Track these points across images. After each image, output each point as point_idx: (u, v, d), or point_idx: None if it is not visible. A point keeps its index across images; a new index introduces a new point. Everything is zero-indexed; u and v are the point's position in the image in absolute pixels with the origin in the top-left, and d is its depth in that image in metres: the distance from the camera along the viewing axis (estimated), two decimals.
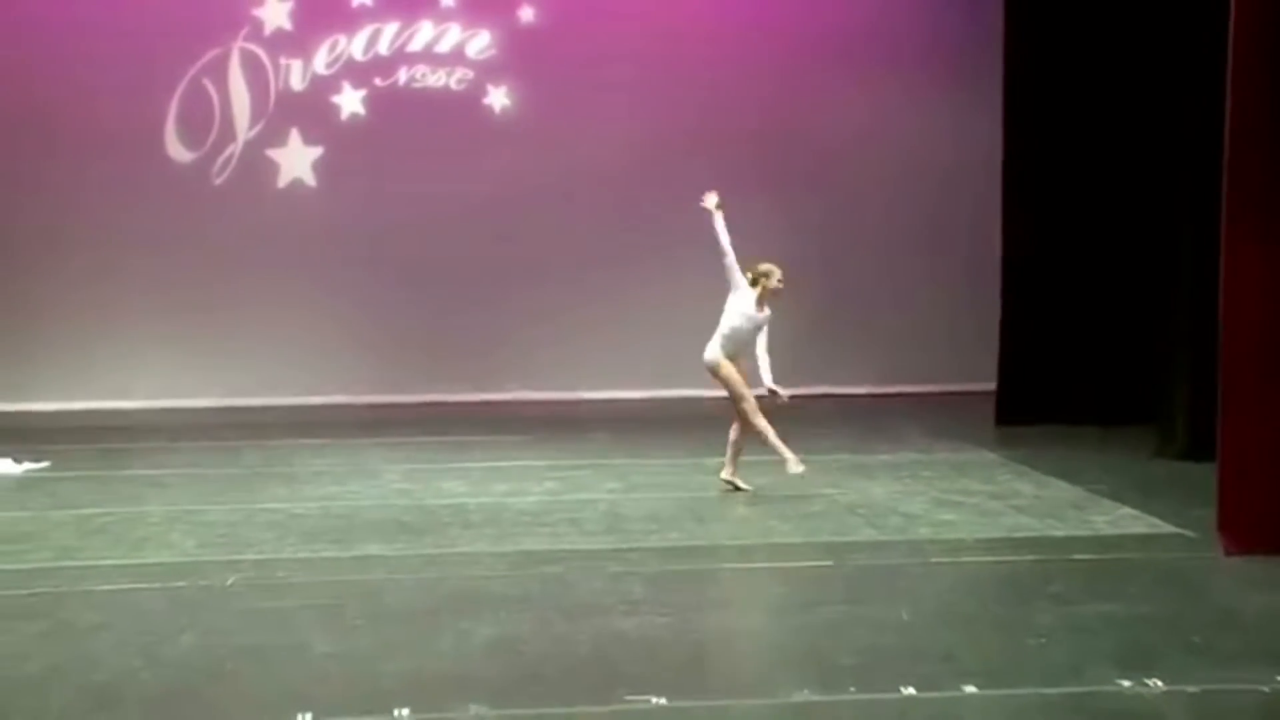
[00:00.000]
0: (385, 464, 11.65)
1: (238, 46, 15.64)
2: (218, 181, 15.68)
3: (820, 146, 16.17)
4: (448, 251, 15.72)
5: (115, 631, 6.71)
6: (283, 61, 15.69)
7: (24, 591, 7.51)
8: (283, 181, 15.78)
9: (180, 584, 7.63)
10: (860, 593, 7.44)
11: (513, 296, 15.81)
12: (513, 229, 15.82)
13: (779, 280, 9.78)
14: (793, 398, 10.04)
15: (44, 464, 11.65)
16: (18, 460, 11.58)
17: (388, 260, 15.64)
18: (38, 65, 15.23)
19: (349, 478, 11.04)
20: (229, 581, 7.63)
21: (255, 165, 15.70)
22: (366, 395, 15.42)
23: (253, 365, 15.55)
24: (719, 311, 9.83)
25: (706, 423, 13.55)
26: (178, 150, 15.64)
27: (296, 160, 15.74)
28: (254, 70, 15.68)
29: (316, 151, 15.78)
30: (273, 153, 15.72)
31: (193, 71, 15.58)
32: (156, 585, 7.61)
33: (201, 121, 15.63)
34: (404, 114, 15.89)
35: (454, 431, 13.33)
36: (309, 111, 15.79)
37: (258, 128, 15.73)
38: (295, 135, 15.75)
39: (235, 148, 15.67)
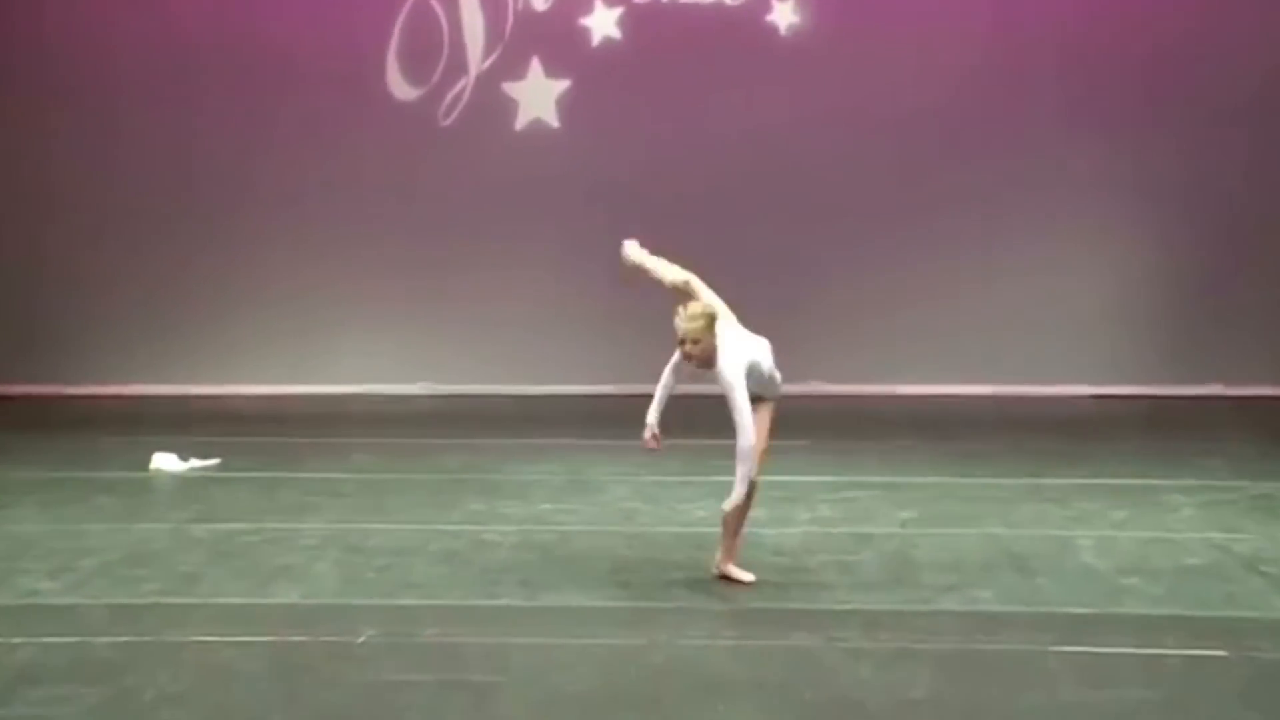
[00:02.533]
0: (613, 474, 10.21)
1: None
2: (445, 123, 14.45)
3: (1244, 67, 14.23)
4: (717, 207, 14.20)
5: (185, 708, 5.48)
6: None
7: (104, 639, 6.38)
8: (521, 122, 14.43)
9: (298, 638, 6.35)
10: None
11: (800, 262, 14.22)
12: (801, 177, 14.26)
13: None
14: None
15: (213, 461, 10.70)
16: (184, 457, 10.69)
17: (646, 217, 14.20)
18: None
19: (565, 491, 9.64)
20: (360, 639, 6.31)
21: (489, 103, 14.40)
22: (613, 384, 14.02)
23: (476, 344, 14.37)
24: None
25: (1057, 429, 11.86)
26: (400, 86, 14.48)
27: (538, 96, 14.36)
28: None
29: (561, 85, 14.38)
30: (510, 88, 14.39)
31: None
32: (265, 638, 6.33)
33: (427, 52, 14.43)
34: (667, 37, 14.35)
35: (711, 431, 11.81)
36: (553, 37, 14.39)
37: (492, 58, 14.40)
38: (536, 66, 14.37)
39: (466, 82, 14.40)
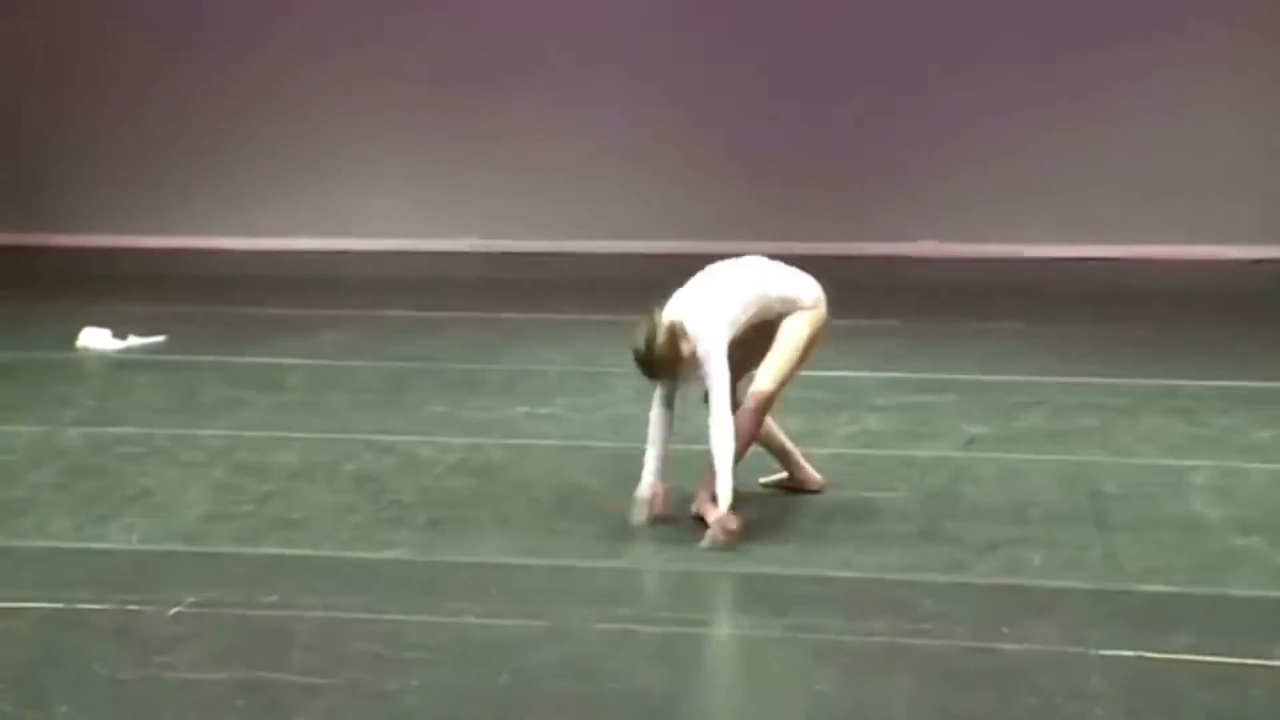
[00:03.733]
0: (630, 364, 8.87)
1: None
2: None
3: None
4: (818, 37, 12.72)
5: None
6: None
7: None
8: None
9: (94, 605, 5.15)
10: None
11: (926, 105, 12.79)
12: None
13: None
14: None
15: (155, 339, 9.68)
16: (120, 334, 9.64)
17: (738, 54, 12.83)
18: None
19: (559, 388, 8.41)
20: (172, 611, 5.15)
21: None
22: (681, 240, 12.68)
23: (531, 194, 13.11)
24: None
25: (1210, 304, 10.41)
26: None
27: None
28: None
29: None
30: None
31: None
32: (44, 604, 5.20)
33: None
34: None
35: None
36: None
37: None
38: None
39: None
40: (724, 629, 5.16)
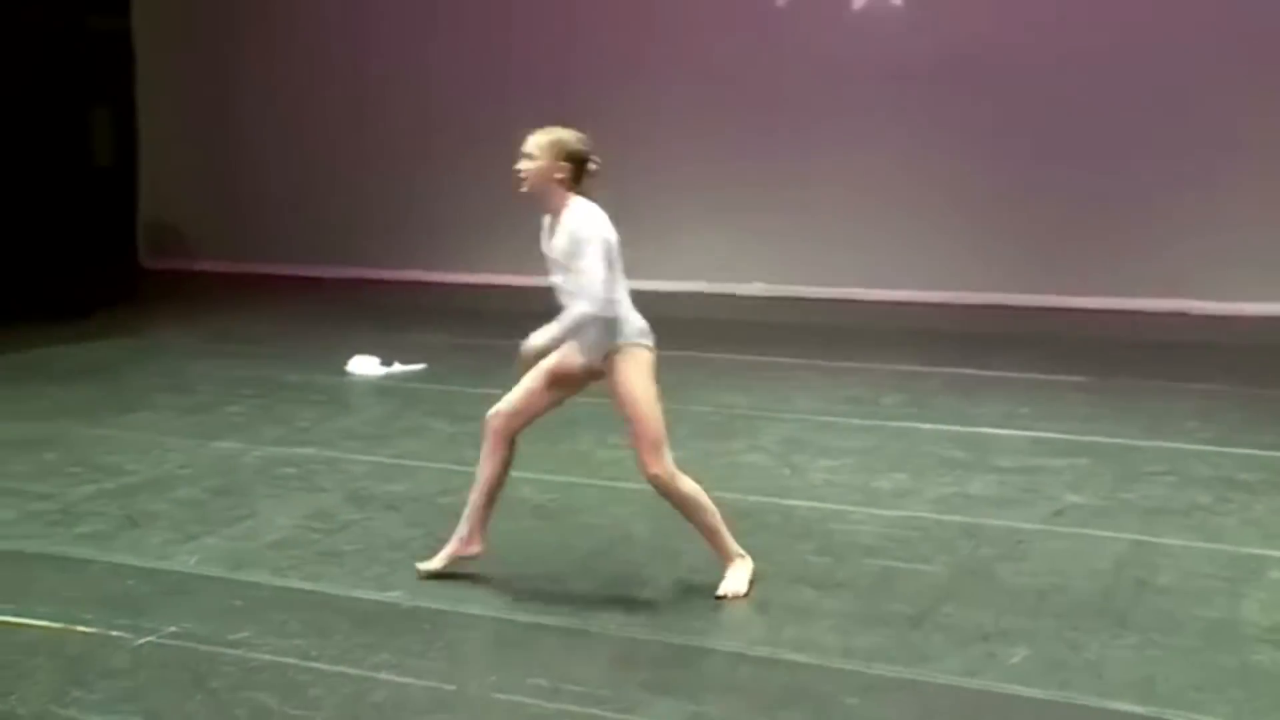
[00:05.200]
0: (784, 413, 7.72)
1: None
2: (780, 2, 12.11)
3: None
4: (1088, 96, 11.19)
5: None
6: None
7: None
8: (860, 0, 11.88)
9: (92, 630, 4.66)
10: None
11: (1147, 148, 11.04)
12: (1150, 57, 11.03)
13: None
14: None
15: (417, 366, 9.19)
16: (386, 361, 9.20)
17: (1004, 106, 11.40)
18: None
19: (695, 432, 7.19)
20: (139, 641, 4.54)
21: None
22: (956, 291, 11.42)
23: (811, 241, 11.99)
24: None
25: None
26: None
27: None
28: None
29: None
30: None
31: None
32: (70, 623, 4.71)
33: None
34: None
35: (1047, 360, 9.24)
36: None
37: None
38: None
39: None
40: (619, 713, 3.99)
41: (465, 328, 10.73)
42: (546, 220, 4.96)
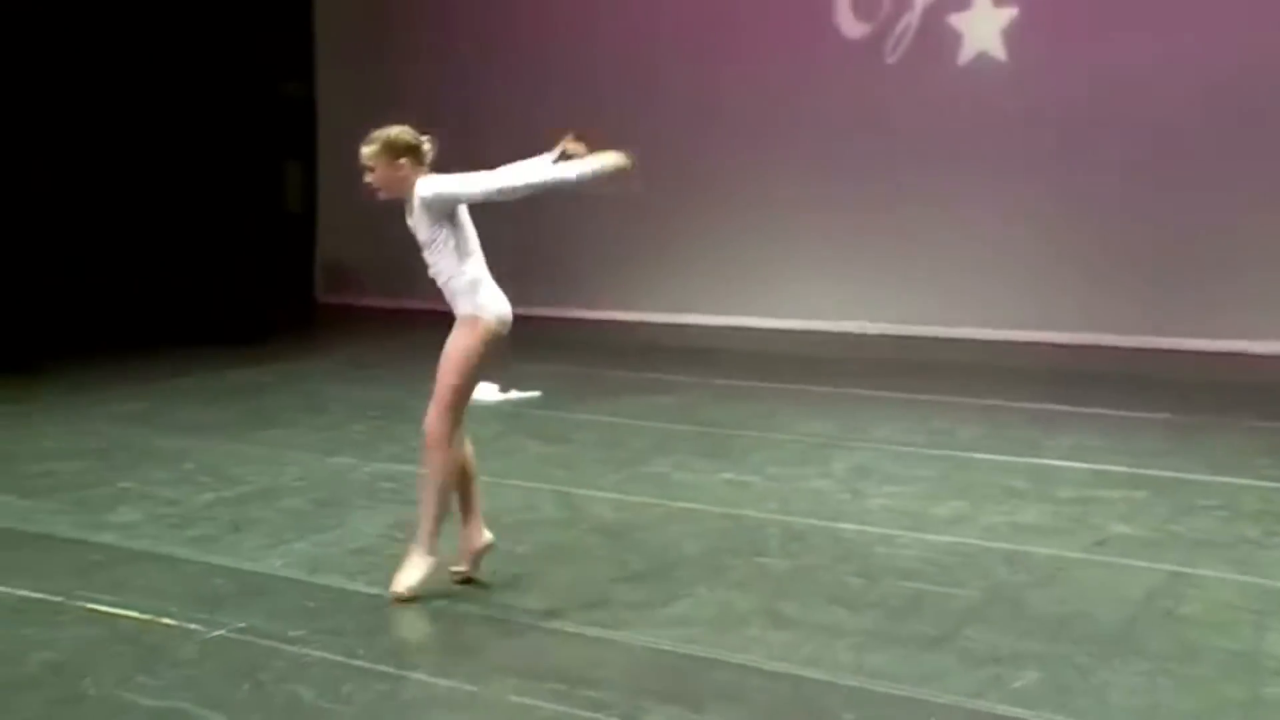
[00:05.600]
0: (863, 445, 7.46)
1: None
2: (891, 59, 11.81)
3: None
4: (1185, 149, 10.68)
5: None
6: None
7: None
8: (965, 56, 11.50)
9: (174, 622, 4.70)
10: None
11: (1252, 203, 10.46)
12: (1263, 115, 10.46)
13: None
14: None
15: (532, 394, 9.17)
16: (504, 388, 9.19)
17: (1100, 157, 10.96)
18: None
19: (777, 459, 7.02)
20: (211, 634, 4.57)
21: (934, 37, 11.59)
22: (1055, 331, 11.02)
23: (919, 284, 11.67)
24: None
25: None
26: (849, 24, 12.00)
27: (983, 27, 11.35)
28: None
29: (1008, 14, 11.29)
30: (955, 19, 11.50)
31: None
32: (154, 615, 4.77)
33: None
34: None
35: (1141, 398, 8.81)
36: None
37: None
38: None
39: (912, 17, 11.70)
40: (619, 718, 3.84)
41: (583, 359, 10.69)
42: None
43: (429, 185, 4.73)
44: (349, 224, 14.85)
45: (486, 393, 9.04)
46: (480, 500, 5.08)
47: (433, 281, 4.94)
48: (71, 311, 12.39)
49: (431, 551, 4.82)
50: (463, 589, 4.94)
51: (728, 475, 6.73)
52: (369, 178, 4.82)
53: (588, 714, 3.83)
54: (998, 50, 11.34)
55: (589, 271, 13.07)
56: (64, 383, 9.58)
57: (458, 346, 4.75)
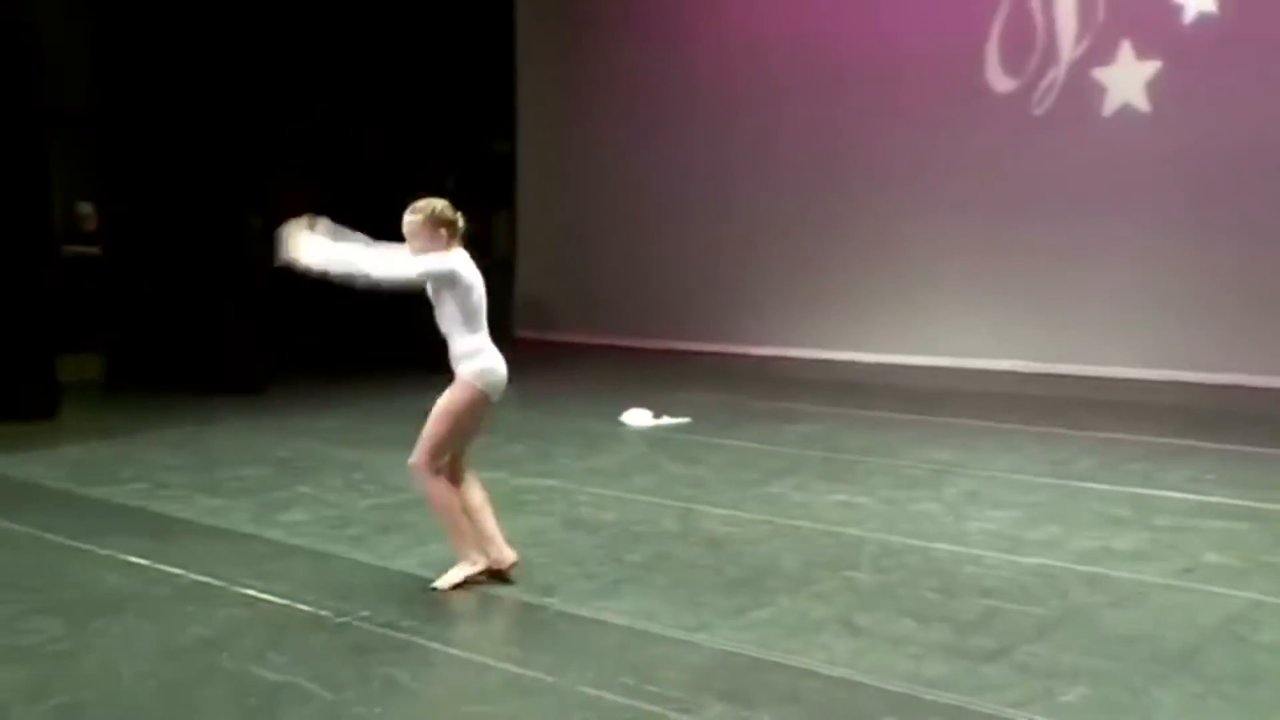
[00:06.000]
0: (973, 473, 7.21)
1: None
2: (1037, 112, 11.36)
3: None
4: None
5: None
6: None
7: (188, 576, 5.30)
8: (1109, 108, 10.99)
9: (308, 609, 4.87)
10: None
11: None
12: None
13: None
14: None
15: (682, 420, 9.14)
16: (657, 414, 9.21)
17: (1234, 205, 10.38)
18: (829, 6, 12.44)
19: (889, 483, 6.87)
20: (339, 620, 4.69)
21: (1079, 90, 11.12)
22: (1187, 372, 10.47)
23: (1058, 323, 11.19)
24: None
25: None
26: (998, 79, 11.62)
27: (1127, 81, 10.85)
28: None
29: (1151, 68, 10.78)
30: (1099, 73, 11.01)
31: None
32: (288, 600, 4.95)
33: (1024, 45, 11.43)
34: (1273, 10, 10.30)
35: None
36: (1144, 18, 10.81)
37: (1083, 45, 11.09)
38: (1126, 49, 10.85)
39: (1057, 72, 11.26)
40: (676, 712, 3.81)
41: (735, 389, 10.61)
42: None
43: (446, 258, 4.87)
44: (545, 266, 15.21)
45: (640, 418, 9.13)
46: (496, 525, 5.12)
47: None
48: (299, 339, 12.95)
49: (464, 558, 4.97)
50: (562, 591, 4.98)
51: (841, 497, 6.61)
52: (407, 225, 4.92)
53: (648, 706, 3.81)
54: (1141, 102, 10.88)
55: (748, 310, 13.02)
56: (279, 402, 10.05)
57: (450, 401, 4.92)
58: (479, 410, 4.98)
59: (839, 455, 7.73)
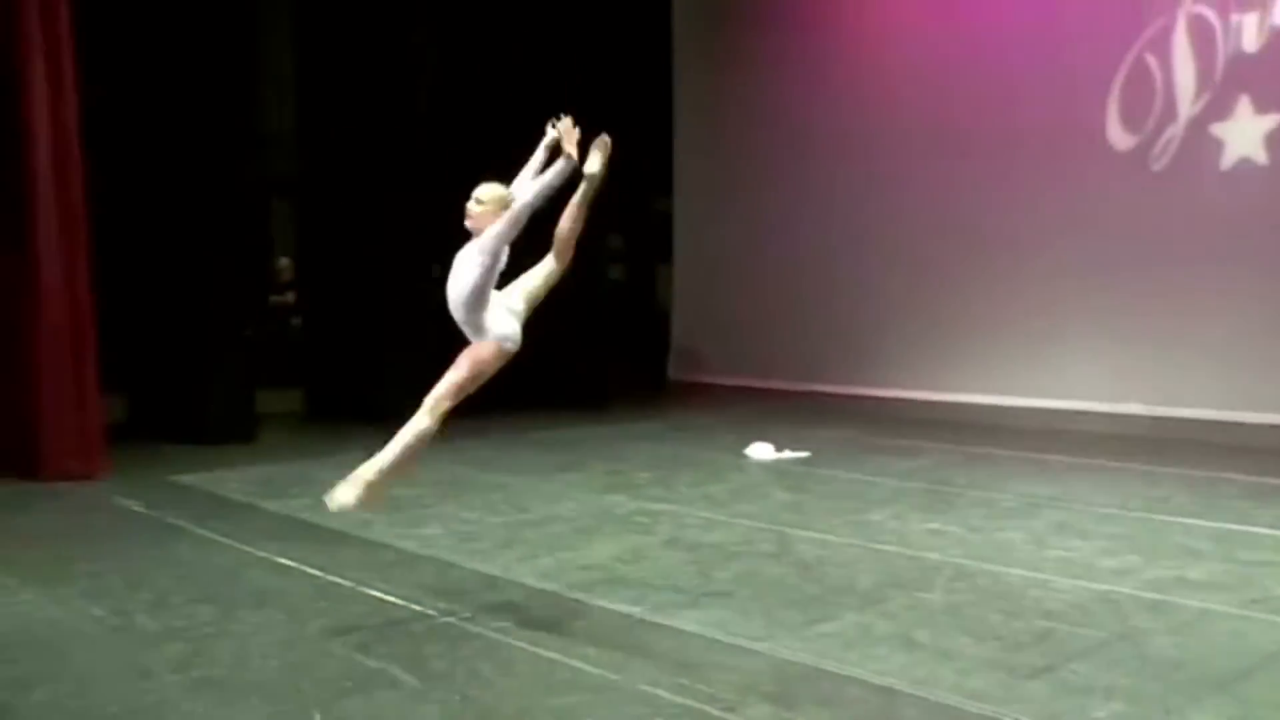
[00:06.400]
0: (1071, 508, 6.97)
1: (1184, 11, 10.75)
2: (1156, 167, 10.89)
3: None
4: None
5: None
6: (1234, 19, 10.37)
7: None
8: (1227, 162, 10.45)
9: (420, 609, 5.01)
10: None
11: None
12: None
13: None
14: None
15: (802, 454, 9.03)
16: (779, 448, 9.12)
17: None
18: (960, 67, 12.16)
19: (1014, 513, 6.74)
20: (446, 618, 4.81)
21: (1197, 145, 10.61)
22: None
23: (1174, 369, 10.64)
24: None
25: None
26: (1118, 136, 11.18)
27: (1244, 135, 10.29)
28: (1201, 35, 10.57)
29: (1269, 122, 10.20)
30: (1217, 129, 10.49)
31: (1136, 48, 11.03)
32: (410, 602, 5.09)
33: (1143, 102, 10.98)
34: None
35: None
36: (1262, 74, 10.24)
37: (1202, 101, 10.59)
38: (1245, 104, 10.31)
39: (1176, 128, 10.77)
40: (721, 711, 3.78)
41: (859, 426, 10.45)
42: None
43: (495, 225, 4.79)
44: (697, 315, 15.28)
45: (763, 452, 9.08)
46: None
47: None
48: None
49: (375, 483, 4.79)
50: (647, 602, 4.99)
51: (933, 525, 6.45)
52: (473, 208, 4.87)
53: (696, 704, 3.81)
54: (1259, 155, 10.33)
55: (878, 354, 12.82)
56: (442, 431, 10.33)
57: (478, 358, 4.82)
58: (498, 367, 4.89)
59: (941, 488, 7.54)
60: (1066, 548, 5.88)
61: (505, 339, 4.82)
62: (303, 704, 3.85)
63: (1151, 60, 10.99)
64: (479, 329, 4.82)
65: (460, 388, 4.81)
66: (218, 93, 9.97)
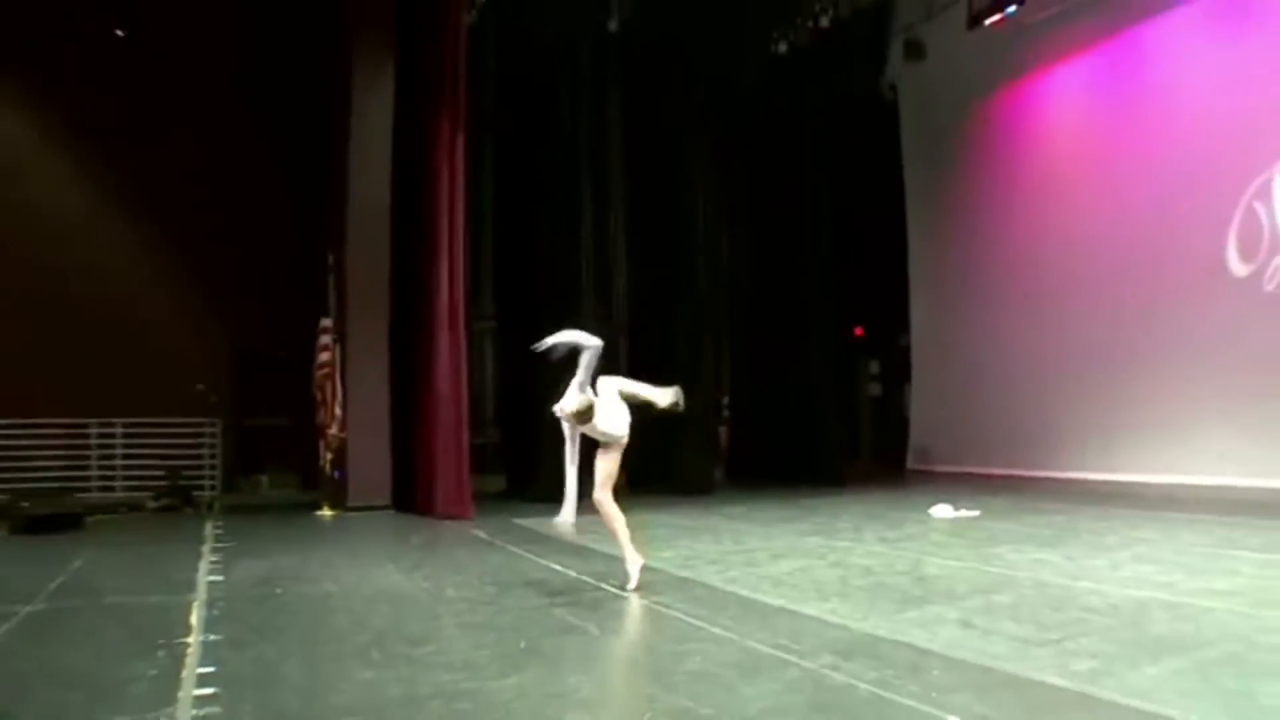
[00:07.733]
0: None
1: (1278, 168, 9.93)
2: (1268, 289, 9.91)
3: None
4: None
5: None
6: None
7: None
8: None
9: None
10: None
11: None
12: None
13: None
14: None
15: (973, 513, 8.80)
16: (957, 508, 8.93)
17: None
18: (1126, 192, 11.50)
19: (1191, 560, 6.28)
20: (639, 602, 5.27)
21: None
22: None
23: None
24: None
25: None
26: (1235, 264, 10.26)
27: None
28: None
29: None
30: None
31: (1245, 196, 10.16)
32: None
33: (1253, 237, 10.05)
34: None
35: None
36: None
37: None
38: None
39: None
40: (799, 658, 4.04)
41: (1027, 496, 9.98)
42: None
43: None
44: (932, 419, 14.72)
45: (943, 511, 8.93)
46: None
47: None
48: (750, 452, 13.49)
49: (634, 559, 5.41)
50: (790, 596, 5.26)
51: (1039, 556, 6.34)
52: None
53: (778, 654, 4.16)
54: None
55: (1057, 442, 12.12)
56: (724, 496, 10.84)
57: (609, 454, 5.33)
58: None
59: (1063, 533, 7.31)
60: (1134, 569, 5.66)
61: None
62: (518, 639, 4.50)
63: (1258, 205, 10.10)
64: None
65: (610, 476, 5.37)
66: None
